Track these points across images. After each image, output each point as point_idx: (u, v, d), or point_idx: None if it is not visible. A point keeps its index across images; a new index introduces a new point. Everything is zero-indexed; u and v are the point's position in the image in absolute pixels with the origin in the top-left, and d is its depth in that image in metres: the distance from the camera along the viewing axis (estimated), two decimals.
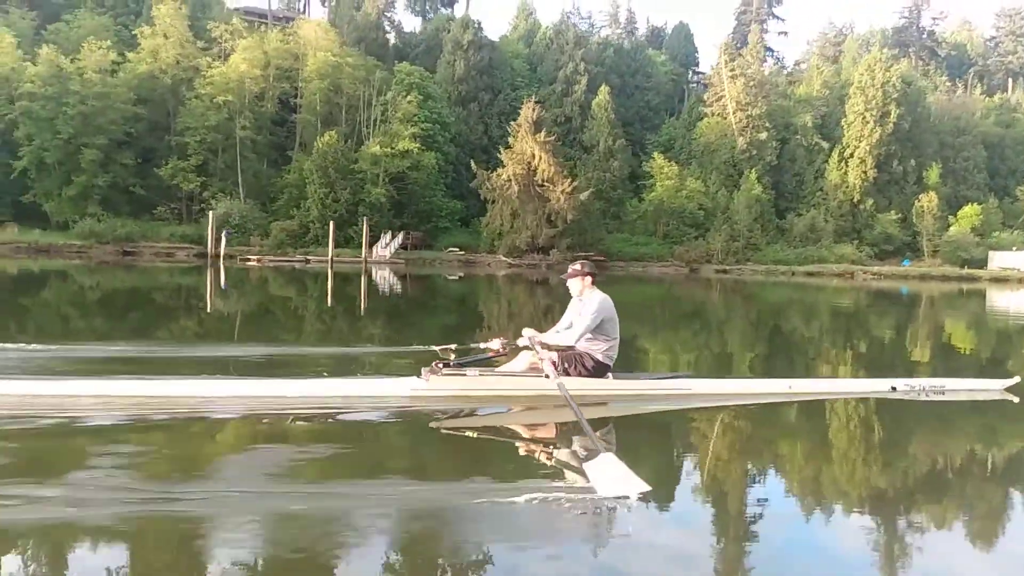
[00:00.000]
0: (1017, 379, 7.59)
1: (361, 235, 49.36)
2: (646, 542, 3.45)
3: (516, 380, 6.17)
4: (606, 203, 63.58)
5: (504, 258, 53.31)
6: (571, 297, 6.67)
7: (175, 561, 3.09)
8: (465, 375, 5.99)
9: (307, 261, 45.00)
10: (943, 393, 7.35)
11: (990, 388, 7.66)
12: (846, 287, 43.37)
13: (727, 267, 58.24)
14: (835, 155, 66.78)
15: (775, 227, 64.25)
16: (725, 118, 68.40)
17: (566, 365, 6.09)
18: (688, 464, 5.00)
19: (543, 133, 54.29)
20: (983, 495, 4.59)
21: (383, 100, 57.94)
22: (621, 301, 7.04)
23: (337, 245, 51.31)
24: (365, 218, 49.22)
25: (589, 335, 6.27)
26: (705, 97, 70.62)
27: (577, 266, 6.52)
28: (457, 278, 36.55)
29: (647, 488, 4.00)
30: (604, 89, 65.15)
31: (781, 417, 6.63)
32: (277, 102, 58.46)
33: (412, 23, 78.86)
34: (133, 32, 56.59)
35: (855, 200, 65.49)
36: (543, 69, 72.47)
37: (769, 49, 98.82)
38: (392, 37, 75.90)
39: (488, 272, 45.83)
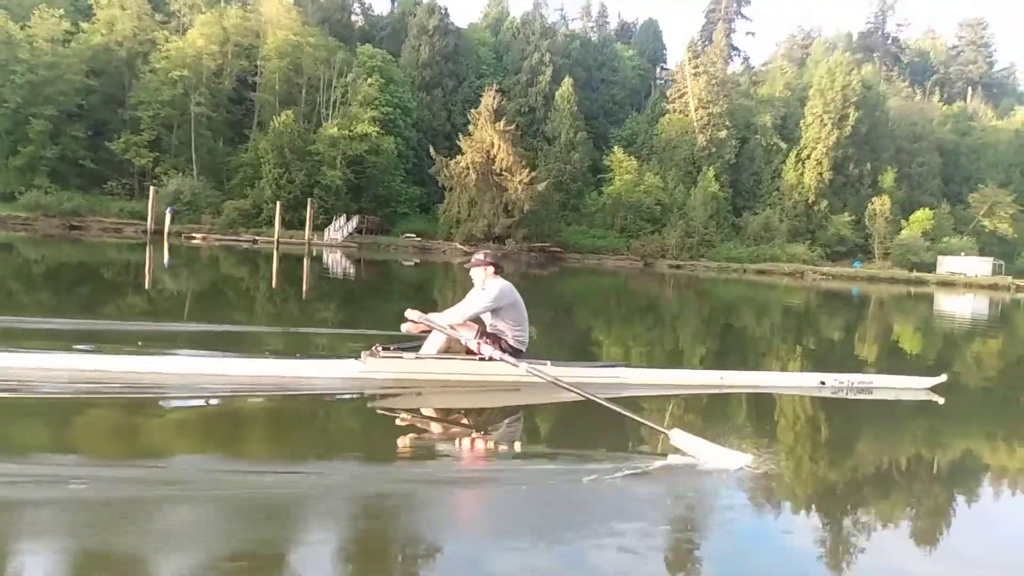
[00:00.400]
0: (943, 378, 7.76)
1: (307, 217, 49.25)
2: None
3: (451, 364, 6.17)
4: (566, 195, 63.80)
5: (460, 246, 53.21)
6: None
7: (108, 543, 2.94)
8: (402, 358, 6.03)
9: (255, 241, 44.68)
10: (871, 391, 7.53)
11: (916, 386, 7.85)
12: (796, 286, 43.85)
13: (680, 262, 58.70)
14: (792, 156, 67.54)
15: (730, 225, 64.90)
16: (687, 115, 68.86)
17: (487, 344, 6.11)
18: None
19: (503, 122, 54.22)
20: (888, 488, 4.66)
21: (344, 82, 57.49)
22: (576, 292, 7.10)
23: (290, 226, 51.03)
24: (309, 200, 48.83)
25: (493, 319, 6.38)
26: (668, 93, 70.93)
27: (480, 256, 6.61)
28: (412, 264, 36.40)
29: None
30: (567, 81, 65.27)
31: (709, 407, 6.72)
32: (235, 80, 57.74)
33: (381, 6, 77.51)
34: (89, 1, 55.44)
35: (810, 201, 66.35)
36: (509, 58, 72.42)
37: (736, 48, 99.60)
38: (360, 19, 75.22)
39: (443, 260, 45.87)
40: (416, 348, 6.25)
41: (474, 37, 74.11)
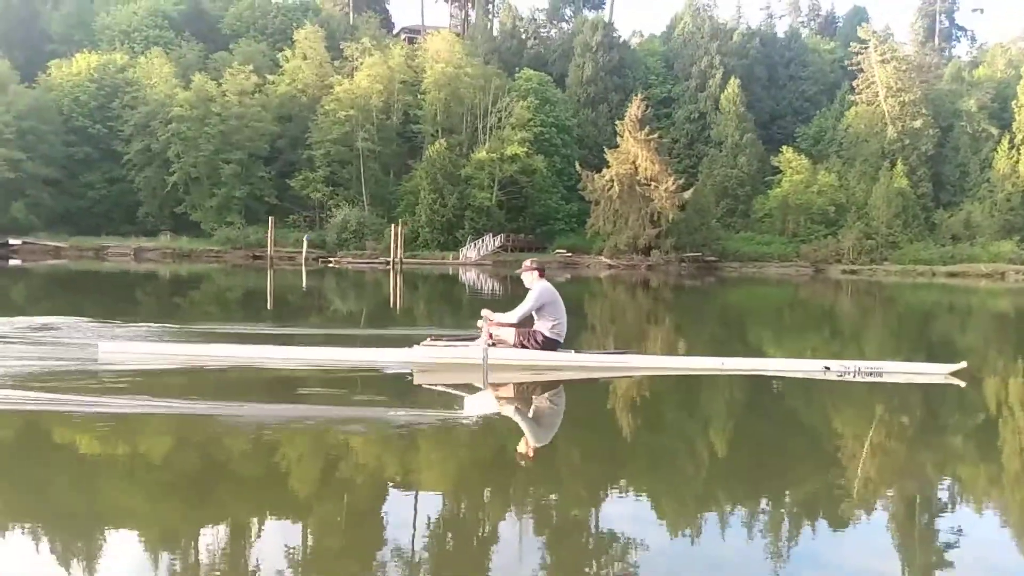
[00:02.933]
0: (963, 364, 7.79)
1: (466, 239, 51.92)
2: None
3: (469, 351, 7.85)
4: (733, 200, 61.10)
5: (605, 259, 52.95)
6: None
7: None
8: (444, 347, 7.98)
9: (386, 263, 47.55)
10: (881, 376, 7.75)
11: (934, 372, 7.93)
12: (999, 289, 39.04)
13: (857, 267, 53.77)
14: (1005, 142, 59.36)
15: (923, 223, 58.30)
16: (878, 106, 63.07)
17: (522, 340, 7.86)
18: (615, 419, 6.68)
19: (645, 131, 53.21)
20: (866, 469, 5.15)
21: (499, 108, 59.48)
22: (732, 306, 12.11)
23: (445, 248, 53.97)
24: (399, 220, 51.97)
25: (536, 316, 7.94)
26: (855, 84, 65.27)
27: (527, 263, 8.32)
28: (565, 279, 37.50)
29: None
30: (734, 82, 62.50)
31: (711, 387, 7.83)
32: (402, 115, 61.71)
33: (558, 29, 78.99)
34: (277, 56, 62.33)
35: None
36: (680, 65, 70.64)
37: (962, 28, 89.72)
38: (533, 44, 77.18)
39: (592, 274, 46.09)
40: (456, 339, 8.21)
41: (644, 48, 73.28)
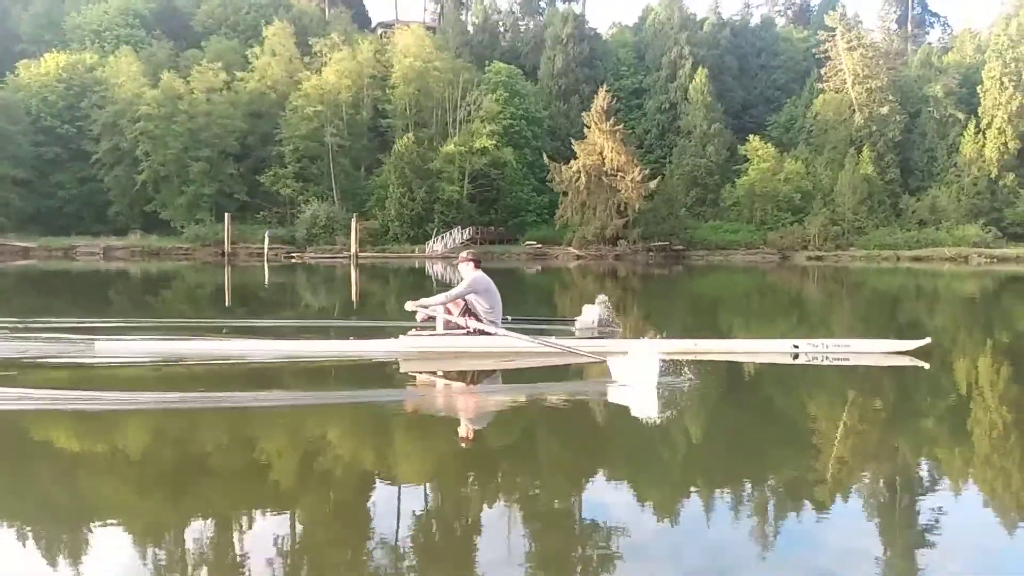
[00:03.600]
0: (927, 340, 8.06)
1: (433, 232, 52.16)
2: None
3: (452, 339, 8.55)
4: (703, 190, 61.46)
5: (573, 250, 53.25)
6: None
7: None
8: (429, 336, 8.63)
9: (348, 258, 47.78)
10: (848, 352, 8.08)
11: (899, 348, 8.18)
12: (964, 272, 39.49)
13: (822, 253, 54.19)
14: (971, 127, 59.79)
15: (890, 209, 58.74)
16: (845, 93, 63.41)
17: (451, 327, 8.57)
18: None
19: (611, 122, 53.45)
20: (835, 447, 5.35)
21: (468, 101, 59.65)
22: (702, 294, 13.95)
23: (415, 242, 54.27)
24: (355, 216, 51.78)
25: (472, 303, 8.58)
26: (823, 72, 65.61)
27: (464, 255, 9.15)
28: (536, 271, 37.81)
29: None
30: (702, 72, 62.76)
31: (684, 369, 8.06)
32: (373, 110, 61.83)
33: (535, 21, 79.07)
34: (247, 53, 62.36)
35: (993, 175, 58.34)
36: (651, 56, 70.86)
37: (935, 15, 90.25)
38: (509, 37, 77.38)
39: (559, 265, 46.35)
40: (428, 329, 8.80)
41: (616, 39, 73.54)
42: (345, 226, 55.33)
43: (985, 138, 59.04)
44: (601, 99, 54.21)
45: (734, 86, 71.40)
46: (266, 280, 29.62)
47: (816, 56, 66.95)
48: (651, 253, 52.96)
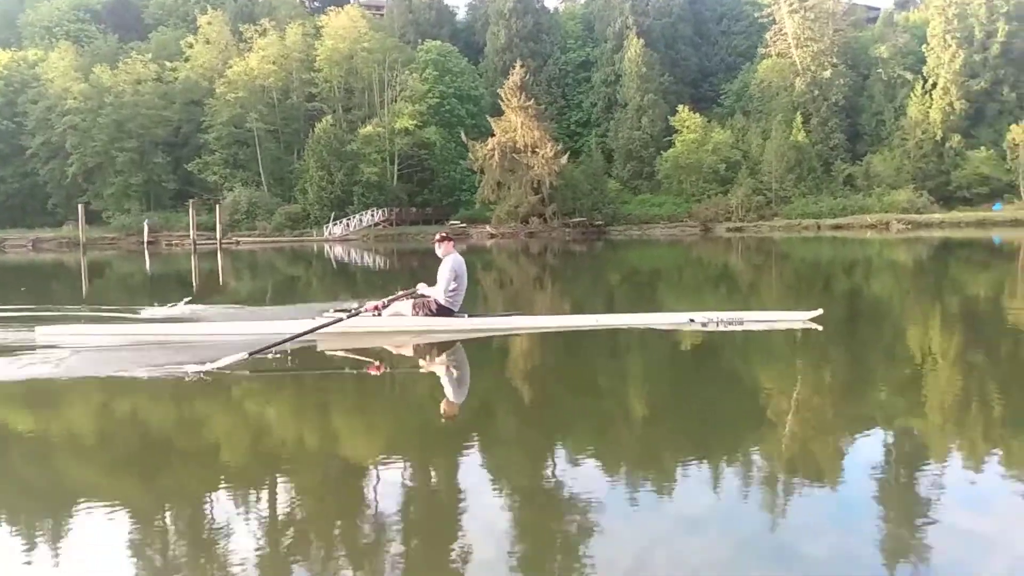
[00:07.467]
0: (819, 311, 8.43)
1: (350, 215, 52.21)
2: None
3: (382, 321, 8.57)
4: (639, 163, 60.08)
5: (489, 229, 52.60)
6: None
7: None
8: (348, 316, 8.45)
9: (237, 243, 47.99)
10: (741, 324, 8.36)
11: (793, 319, 8.57)
12: (883, 240, 38.12)
13: (743, 224, 52.50)
14: (918, 87, 57.04)
15: (825, 175, 56.56)
16: (790, 58, 61.12)
17: (416, 309, 8.57)
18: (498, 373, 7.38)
19: (522, 97, 52.41)
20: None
21: (396, 81, 59.19)
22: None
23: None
24: (192, 200, 52.63)
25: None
26: (768, 36, 63.19)
27: (439, 235, 9.02)
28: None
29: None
30: (636, 43, 60.92)
31: (588, 342, 8.42)
32: (303, 93, 61.73)
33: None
34: (181, 44, 62.84)
35: (938, 138, 55.59)
36: (599, 27, 69.21)
37: None
38: (459, 16, 76.55)
39: (476, 243, 45.77)
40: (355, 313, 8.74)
41: (567, 12, 72.07)
42: (269, 211, 55.81)
43: (932, 99, 56.26)
44: (515, 75, 53.17)
45: (689, 54, 69.35)
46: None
47: (761, 21, 64.37)
48: (568, 230, 51.89)
